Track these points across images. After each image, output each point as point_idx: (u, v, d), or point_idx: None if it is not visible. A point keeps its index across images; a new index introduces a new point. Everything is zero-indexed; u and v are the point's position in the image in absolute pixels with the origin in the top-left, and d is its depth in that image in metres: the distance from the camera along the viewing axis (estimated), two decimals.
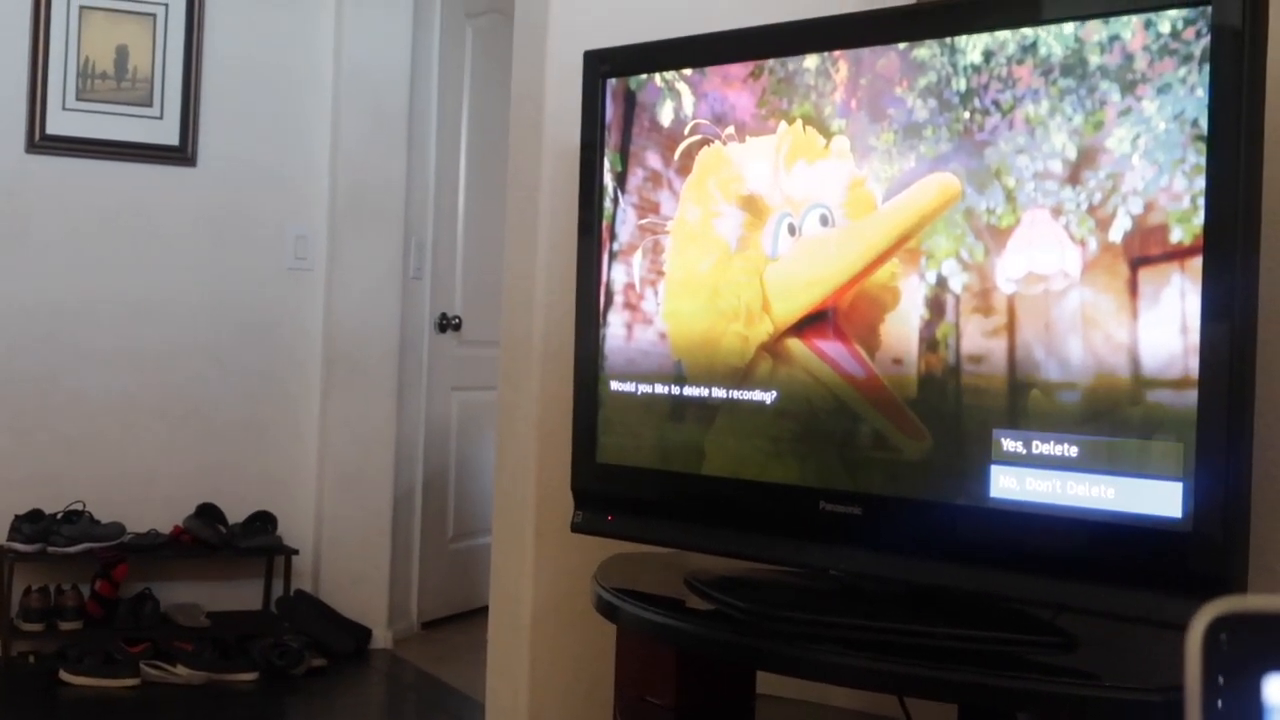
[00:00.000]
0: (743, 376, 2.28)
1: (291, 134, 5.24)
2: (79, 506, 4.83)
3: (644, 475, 2.43)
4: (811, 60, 2.20)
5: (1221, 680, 0.48)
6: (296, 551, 5.08)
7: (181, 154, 5.04)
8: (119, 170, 5.00)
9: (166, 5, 4.99)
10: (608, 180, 2.47)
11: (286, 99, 5.23)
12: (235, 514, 5.05)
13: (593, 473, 2.51)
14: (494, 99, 5.37)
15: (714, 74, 2.33)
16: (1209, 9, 1.78)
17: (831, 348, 2.16)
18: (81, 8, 4.90)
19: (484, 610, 3.14)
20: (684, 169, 2.36)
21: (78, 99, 4.92)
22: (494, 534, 3.05)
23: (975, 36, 2.01)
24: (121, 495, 4.97)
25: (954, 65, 2.03)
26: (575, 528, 2.52)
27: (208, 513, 4.99)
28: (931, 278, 2.04)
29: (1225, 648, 0.48)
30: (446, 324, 5.56)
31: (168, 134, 5.02)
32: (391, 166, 5.27)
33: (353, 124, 5.21)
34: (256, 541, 4.99)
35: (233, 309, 5.16)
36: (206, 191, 5.11)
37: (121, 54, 4.95)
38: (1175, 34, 1.81)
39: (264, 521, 5.06)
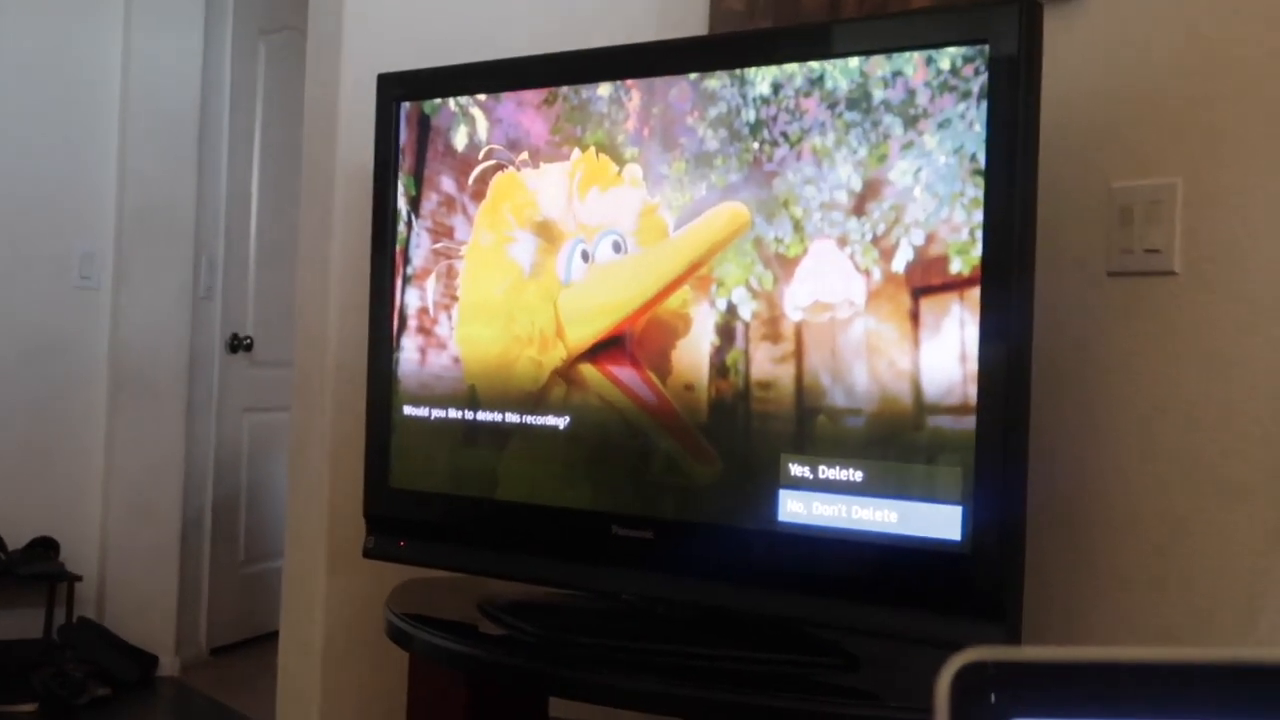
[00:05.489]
0: (536, 401, 2.28)
1: (78, 148, 5.10)
2: None
3: (437, 500, 2.43)
4: (605, 88, 2.22)
5: None
6: (80, 578, 4.93)
7: None
8: None
9: None
10: (401, 204, 2.46)
11: (72, 112, 5.09)
12: (15, 539, 4.89)
13: (386, 498, 2.49)
14: (287, 116, 5.30)
15: (508, 100, 2.33)
16: (986, 47, 1.84)
17: (624, 373, 2.18)
18: None
19: (276, 635, 3.10)
20: (478, 194, 2.36)
21: None
22: (286, 560, 3.01)
23: (764, 69, 2.05)
24: None
25: (744, 96, 2.07)
26: (367, 553, 2.50)
27: None
28: (722, 305, 2.07)
29: (971, 695, 0.50)
30: (238, 344, 5.47)
31: None
32: (181, 183, 5.17)
33: (141, 139, 5.10)
34: (37, 568, 4.83)
35: (15, 328, 5.00)
36: None
37: None
38: (955, 70, 1.87)
39: (46, 547, 4.91)
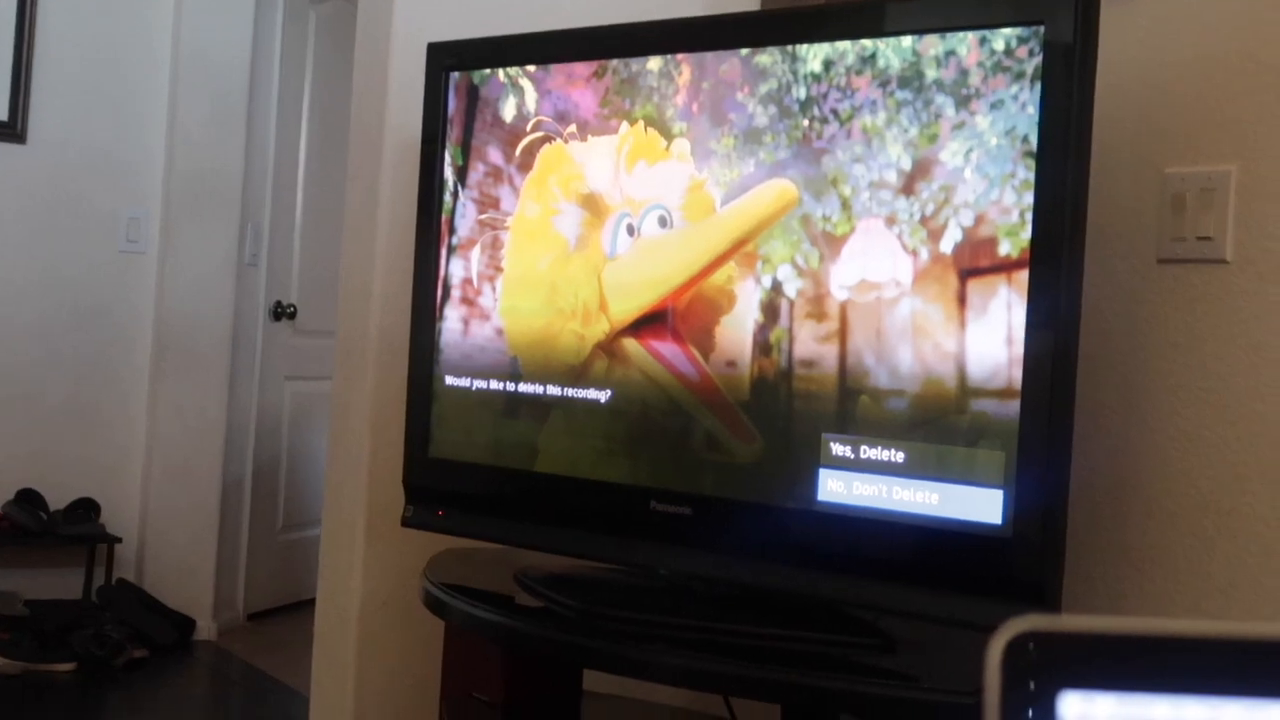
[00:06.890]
0: (578, 375, 2.28)
1: (127, 114, 5.13)
2: None
3: (477, 471, 2.43)
4: (655, 62, 2.21)
5: (1018, 696, 0.49)
6: (120, 540, 4.98)
7: (11, 130, 4.91)
8: None
9: None
10: (448, 174, 2.46)
11: (123, 78, 5.12)
12: (58, 500, 4.93)
13: (425, 467, 2.49)
14: (336, 87, 5.31)
15: (558, 72, 2.33)
16: (1041, 29, 1.83)
17: (667, 349, 2.18)
18: None
19: (312, 602, 3.11)
20: (525, 165, 2.36)
21: None
22: (324, 527, 3.02)
23: (816, 46, 2.04)
24: None
25: (795, 73, 2.05)
26: (406, 522, 2.50)
27: (28, 498, 4.87)
28: (767, 282, 2.06)
29: (1023, 665, 0.49)
30: (281, 312, 5.49)
31: None
32: (229, 150, 5.19)
33: (191, 106, 5.12)
34: (78, 529, 4.88)
35: (62, 291, 5.04)
36: (37, 170, 4.98)
37: None
38: (1009, 52, 1.85)
39: (87, 509, 4.95)
